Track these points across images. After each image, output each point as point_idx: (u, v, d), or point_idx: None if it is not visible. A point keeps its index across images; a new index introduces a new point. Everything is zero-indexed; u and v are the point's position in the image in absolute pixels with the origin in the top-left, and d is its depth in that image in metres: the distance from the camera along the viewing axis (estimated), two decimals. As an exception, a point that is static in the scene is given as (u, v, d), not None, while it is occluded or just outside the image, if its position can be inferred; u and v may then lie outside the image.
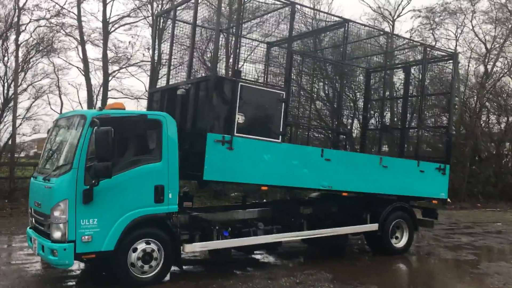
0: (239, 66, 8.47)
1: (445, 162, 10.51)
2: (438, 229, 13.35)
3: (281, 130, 8.32)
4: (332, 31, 10.00)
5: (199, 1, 8.66)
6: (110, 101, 20.81)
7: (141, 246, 7.00)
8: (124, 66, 21.20)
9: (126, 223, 6.86)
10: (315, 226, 9.13)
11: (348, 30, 9.49)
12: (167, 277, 7.46)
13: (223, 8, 9.34)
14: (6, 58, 17.42)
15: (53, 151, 7.64)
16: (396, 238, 10.07)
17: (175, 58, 9.29)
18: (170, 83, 9.25)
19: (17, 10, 17.36)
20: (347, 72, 10.22)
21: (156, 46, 11.21)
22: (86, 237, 6.59)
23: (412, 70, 11.33)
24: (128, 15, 20.32)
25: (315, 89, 10.70)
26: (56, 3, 18.96)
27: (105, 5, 20.37)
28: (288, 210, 9.37)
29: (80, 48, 19.59)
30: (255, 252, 9.25)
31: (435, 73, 11.73)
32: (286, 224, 8.83)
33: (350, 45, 11.38)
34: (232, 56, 8.43)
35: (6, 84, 17.37)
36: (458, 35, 24.97)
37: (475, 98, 24.66)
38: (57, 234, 6.56)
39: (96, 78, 21.83)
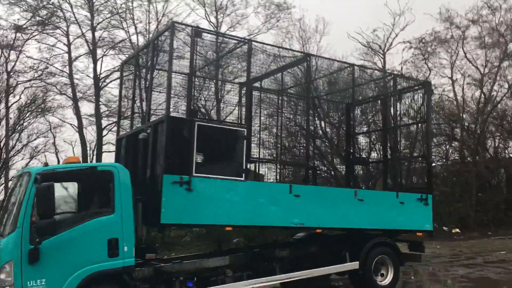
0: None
1: (428, 192, 10.07)
2: (437, 262, 12.75)
3: (244, 167, 8.05)
4: (295, 66, 9.89)
5: (155, 47, 8.82)
6: (104, 155, 20.92)
7: (96, 304, 6.64)
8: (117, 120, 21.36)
9: (78, 281, 6.51)
10: (292, 269, 8.67)
11: (310, 64, 9.37)
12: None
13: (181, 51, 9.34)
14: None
15: (6, 210, 7.46)
16: (382, 275, 9.49)
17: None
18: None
19: (5, 73, 17.78)
20: (313, 106, 10.05)
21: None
22: (33, 299, 6.29)
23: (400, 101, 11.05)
24: (117, 70, 20.65)
25: (285, 126, 10.48)
26: (47, 63, 19.44)
27: (95, 62, 20.87)
28: (261, 254, 8.93)
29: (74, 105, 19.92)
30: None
31: (414, 102, 11.46)
32: (259, 270, 8.39)
33: (326, 79, 11.37)
34: (187, 96, 8.24)
35: (-2, 148, 17.59)
36: (453, 63, 24.83)
37: (477, 125, 24.17)
38: (3, 298, 6.29)
39: (93, 134, 22.03)
